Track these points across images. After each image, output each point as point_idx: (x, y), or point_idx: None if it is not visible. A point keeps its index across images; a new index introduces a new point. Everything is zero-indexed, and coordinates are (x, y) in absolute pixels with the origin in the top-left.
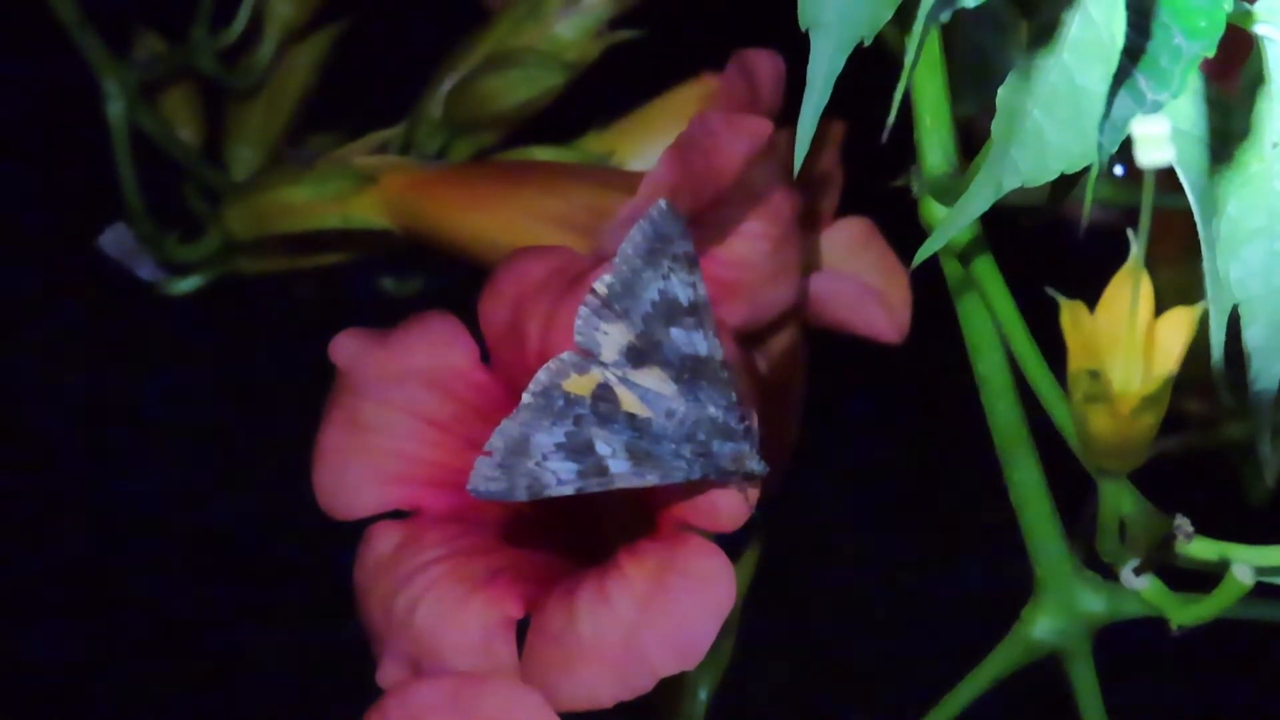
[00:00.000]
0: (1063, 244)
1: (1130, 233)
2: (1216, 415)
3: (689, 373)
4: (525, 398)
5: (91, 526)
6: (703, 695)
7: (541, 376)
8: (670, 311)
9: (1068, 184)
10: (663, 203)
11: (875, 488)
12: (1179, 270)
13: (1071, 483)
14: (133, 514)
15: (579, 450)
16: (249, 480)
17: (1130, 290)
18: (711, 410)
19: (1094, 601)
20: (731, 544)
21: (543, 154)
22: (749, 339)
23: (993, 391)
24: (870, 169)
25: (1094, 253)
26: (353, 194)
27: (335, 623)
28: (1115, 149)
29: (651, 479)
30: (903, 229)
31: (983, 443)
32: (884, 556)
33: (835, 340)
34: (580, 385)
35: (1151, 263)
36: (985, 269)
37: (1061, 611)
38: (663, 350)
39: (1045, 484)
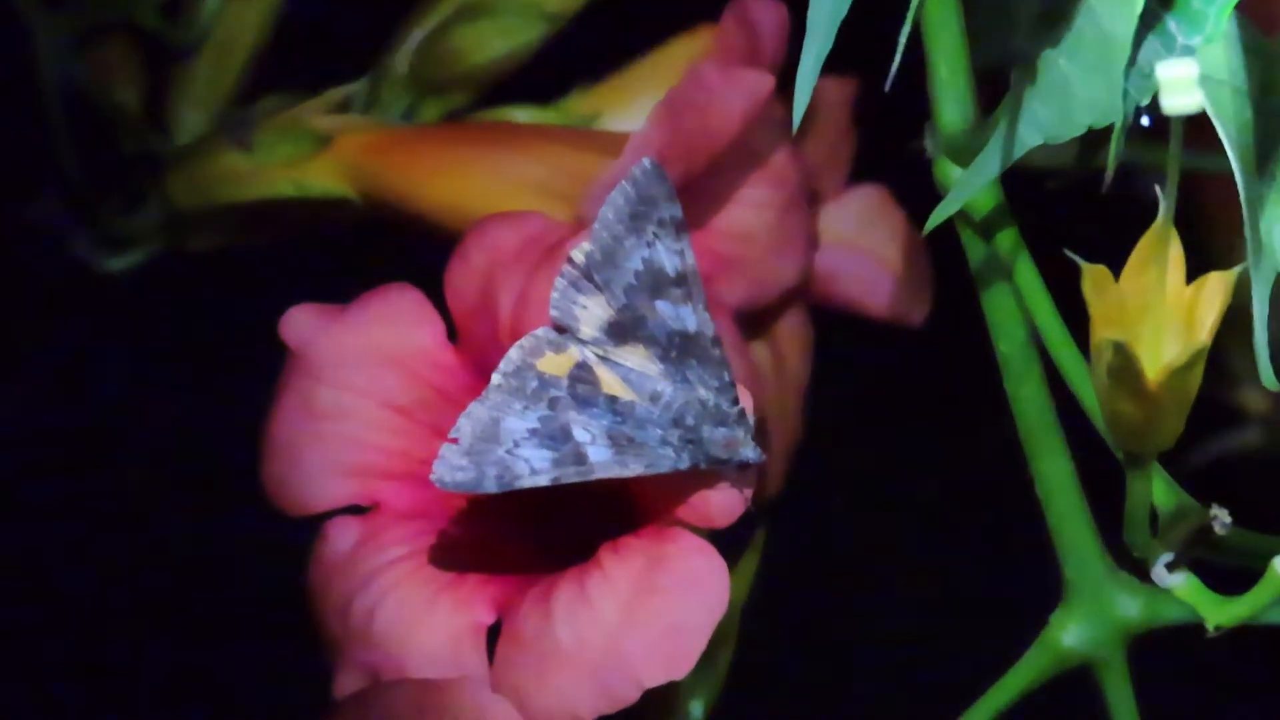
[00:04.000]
0: (1095, 209)
1: (1159, 189)
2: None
3: (676, 350)
4: (495, 378)
5: (38, 523)
6: (697, 712)
7: (513, 355)
8: (655, 283)
9: (1097, 141)
10: (646, 161)
11: (888, 483)
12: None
13: (1106, 475)
14: (76, 514)
15: (554, 436)
16: (200, 477)
17: (1159, 254)
18: (701, 392)
19: (1129, 606)
20: (731, 545)
21: (521, 115)
22: (749, 320)
23: (1016, 373)
24: (887, 133)
25: (1134, 218)
26: (307, 158)
27: (296, 628)
28: (1145, 99)
29: (635, 468)
30: (923, 198)
31: (1006, 430)
32: (899, 557)
33: (844, 322)
34: (556, 365)
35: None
36: (1007, 238)
37: (1093, 617)
38: (647, 325)
39: (1075, 475)
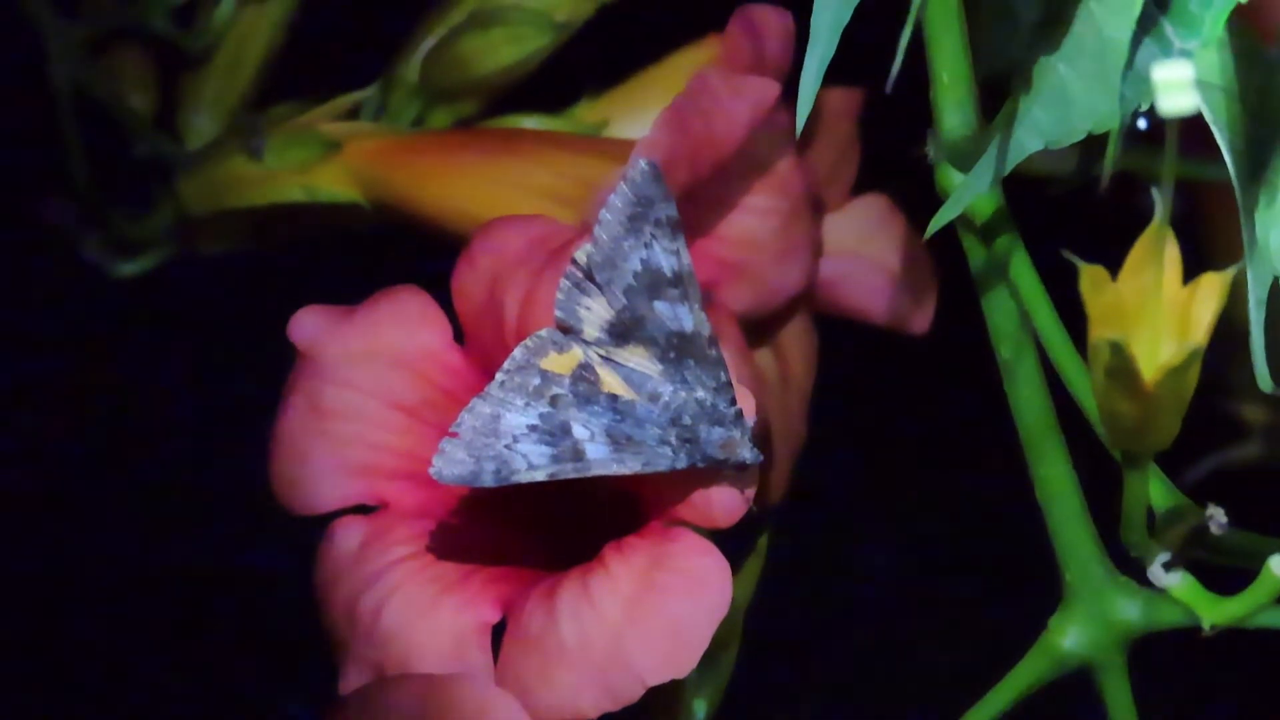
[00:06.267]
0: (1095, 216)
1: (1155, 191)
2: None
3: (675, 351)
4: (499, 376)
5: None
6: (701, 712)
7: (518, 354)
8: (654, 283)
9: (1098, 147)
10: (643, 162)
11: (891, 487)
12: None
13: (1105, 480)
14: (85, 517)
15: (554, 433)
16: (209, 479)
17: (1156, 254)
18: (699, 392)
19: (1129, 609)
20: (735, 548)
21: (530, 123)
22: (754, 326)
23: (1017, 379)
24: (891, 140)
25: (1135, 227)
26: (317, 164)
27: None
28: (1141, 102)
29: (632, 465)
30: (926, 206)
31: (1007, 435)
32: (902, 562)
33: (848, 329)
34: (560, 364)
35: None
36: (1008, 243)
37: (1093, 620)
38: (646, 326)
39: (1075, 480)
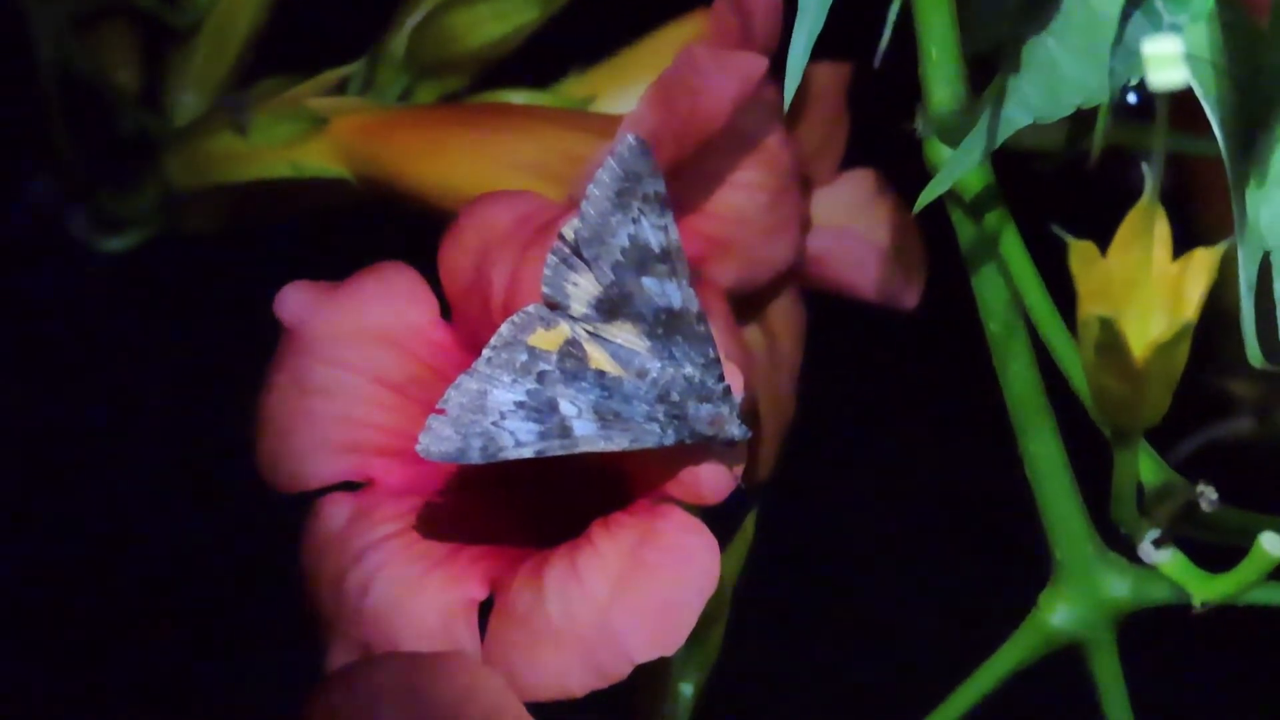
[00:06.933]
0: (1084, 191)
1: (1145, 166)
2: (1271, 399)
3: (663, 327)
4: (485, 352)
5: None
6: (688, 691)
7: (505, 330)
8: (642, 259)
9: (1087, 122)
10: (630, 137)
11: (880, 465)
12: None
13: (1095, 457)
14: (71, 497)
15: (541, 409)
16: (197, 457)
17: (1145, 230)
18: (687, 368)
19: (1119, 586)
20: (724, 526)
21: (517, 98)
22: (742, 302)
23: (1006, 354)
24: (879, 115)
25: (1124, 202)
26: (303, 139)
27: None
28: (1131, 76)
29: (620, 442)
30: (915, 181)
31: (997, 411)
32: (890, 539)
33: (837, 305)
34: (547, 340)
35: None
36: (998, 219)
37: (1083, 597)
38: (635, 302)
39: (1064, 456)
